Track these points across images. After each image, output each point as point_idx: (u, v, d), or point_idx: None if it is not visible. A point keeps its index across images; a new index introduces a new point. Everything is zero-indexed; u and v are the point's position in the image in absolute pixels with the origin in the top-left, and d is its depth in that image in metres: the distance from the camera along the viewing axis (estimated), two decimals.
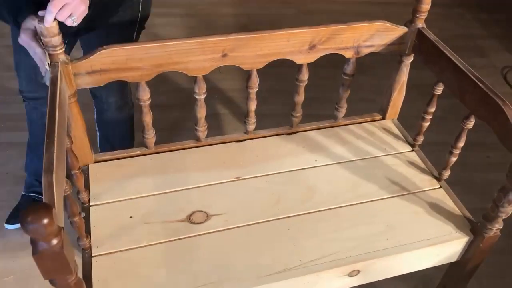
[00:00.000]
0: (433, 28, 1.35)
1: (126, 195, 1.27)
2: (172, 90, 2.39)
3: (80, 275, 0.91)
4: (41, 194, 1.55)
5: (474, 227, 1.23)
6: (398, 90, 1.48)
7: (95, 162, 1.35)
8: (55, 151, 0.86)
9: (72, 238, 0.96)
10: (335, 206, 1.28)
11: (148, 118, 1.32)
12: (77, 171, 1.17)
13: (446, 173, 1.36)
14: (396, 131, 1.53)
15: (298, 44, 1.27)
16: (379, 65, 2.15)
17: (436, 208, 1.29)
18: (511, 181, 1.08)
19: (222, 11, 3.10)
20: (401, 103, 1.54)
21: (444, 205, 1.30)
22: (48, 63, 1.03)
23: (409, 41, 1.36)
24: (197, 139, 1.42)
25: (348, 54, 1.34)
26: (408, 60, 1.41)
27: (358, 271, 1.17)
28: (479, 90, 1.15)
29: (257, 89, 1.35)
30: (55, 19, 1.00)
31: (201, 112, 1.35)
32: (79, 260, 1.03)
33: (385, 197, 1.31)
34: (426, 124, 1.42)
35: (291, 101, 1.43)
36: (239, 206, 1.26)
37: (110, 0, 1.35)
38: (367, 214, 1.26)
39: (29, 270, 1.63)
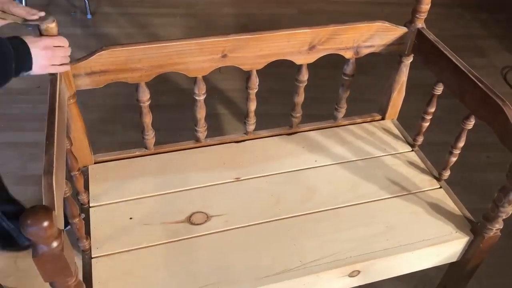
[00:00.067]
0: (433, 28, 1.35)
1: (126, 196, 1.27)
2: (171, 91, 2.39)
3: (80, 276, 0.91)
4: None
5: (474, 227, 1.23)
6: (397, 90, 1.48)
7: (95, 163, 1.35)
8: (54, 152, 0.86)
9: (72, 239, 0.96)
10: (335, 207, 1.28)
11: (147, 118, 1.32)
12: (76, 173, 1.17)
13: (446, 173, 1.36)
14: (396, 131, 1.53)
15: (298, 45, 1.27)
16: (379, 65, 2.15)
17: (436, 208, 1.29)
18: (511, 181, 1.08)
19: (222, 11, 3.10)
20: (401, 103, 1.54)
21: (444, 205, 1.30)
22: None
23: (409, 41, 1.35)
24: (197, 139, 1.42)
25: (348, 54, 1.34)
26: (408, 60, 1.41)
27: (358, 272, 1.17)
28: (479, 90, 1.14)
29: (256, 90, 1.35)
30: (54, 21, 1.00)
31: (201, 112, 1.35)
32: (78, 262, 1.03)
33: (385, 197, 1.31)
34: (426, 124, 1.42)
35: (291, 101, 1.43)
36: (239, 207, 1.26)
37: None
38: (367, 215, 1.26)
39: (29, 270, 1.63)
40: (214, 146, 1.43)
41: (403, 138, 1.50)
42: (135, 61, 1.17)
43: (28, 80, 1.53)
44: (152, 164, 1.37)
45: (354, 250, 1.17)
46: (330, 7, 3.20)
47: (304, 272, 1.12)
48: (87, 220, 1.20)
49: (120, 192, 1.28)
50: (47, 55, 0.99)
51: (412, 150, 1.47)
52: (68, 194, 1.04)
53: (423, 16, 1.32)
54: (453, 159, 1.33)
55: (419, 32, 1.33)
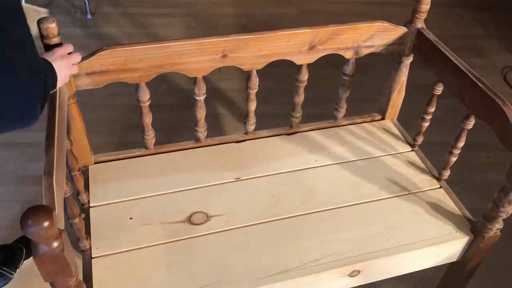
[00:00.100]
0: (433, 28, 1.35)
1: (126, 196, 1.27)
2: (172, 90, 2.39)
3: (80, 276, 0.91)
4: None
5: (474, 227, 1.23)
6: (397, 90, 1.48)
7: (95, 163, 1.35)
8: (55, 153, 0.86)
9: (72, 239, 0.96)
10: (335, 207, 1.28)
11: (147, 119, 1.32)
12: (77, 173, 1.17)
13: (446, 173, 1.36)
14: (396, 131, 1.53)
15: (298, 45, 1.27)
16: (378, 65, 2.15)
17: (436, 208, 1.29)
18: (511, 181, 1.08)
19: (222, 11, 3.10)
20: (401, 103, 1.54)
21: (444, 205, 1.30)
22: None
23: (409, 41, 1.36)
24: (197, 139, 1.42)
25: (348, 54, 1.34)
26: (408, 60, 1.41)
27: (359, 272, 1.17)
28: (479, 90, 1.14)
29: (256, 90, 1.35)
30: (54, 21, 1.01)
31: (201, 112, 1.35)
32: (79, 262, 1.03)
33: (385, 197, 1.31)
34: (426, 124, 1.42)
35: (291, 101, 1.43)
36: (239, 207, 1.26)
37: None
38: (367, 215, 1.26)
39: (29, 270, 1.63)
40: (214, 146, 1.44)
41: (403, 138, 1.51)
42: (135, 61, 1.17)
43: None
44: (152, 164, 1.37)
45: (354, 250, 1.17)
46: (330, 7, 3.20)
47: (304, 272, 1.12)
48: (87, 220, 1.20)
49: (120, 192, 1.28)
50: (65, 66, 1.00)
51: (412, 150, 1.47)
52: (68, 194, 1.04)
53: (423, 16, 1.32)
54: (453, 159, 1.34)
55: (419, 32, 1.33)
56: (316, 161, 1.41)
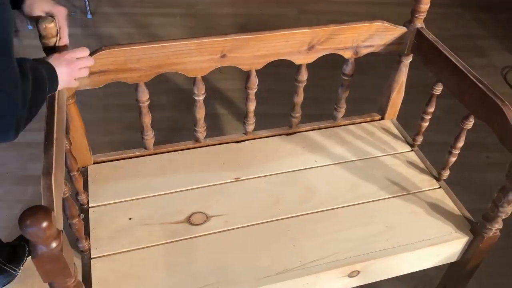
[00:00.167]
0: (432, 28, 1.35)
1: (125, 196, 1.27)
2: (171, 90, 2.39)
3: (79, 277, 0.91)
4: None
5: (474, 227, 1.23)
6: (397, 90, 1.48)
7: (94, 163, 1.35)
8: (54, 153, 0.86)
9: (71, 239, 0.96)
10: (335, 207, 1.28)
11: (147, 119, 1.31)
12: (76, 173, 1.17)
13: (446, 173, 1.36)
14: (395, 131, 1.52)
15: (297, 45, 1.27)
16: (378, 65, 2.15)
17: (436, 208, 1.29)
18: (511, 181, 1.08)
19: (221, 11, 3.10)
20: (400, 103, 1.54)
21: (443, 205, 1.30)
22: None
23: (408, 41, 1.35)
24: (196, 139, 1.42)
25: (347, 54, 1.34)
26: (407, 60, 1.41)
27: (358, 272, 1.17)
28: (479, 90, 1.14)
29: (256, 90, 1.35)
30: (53, 21, 1.00)
31: (200, 113, 1.34)
32: (78, 262, 1.03)
33: (384, 197, 1.31)
34: (425, 124, 1.41)
35: (290, 101, 1.43)
36: (238, 207, 1.26)
37: None
38: (367, 215, 1.26)
39: (29, 270, 1.63)
40: (213, 146, 1.43)
41: (403, 138, 1.50)
42: (134, 61, 1.17)
43: None
44: (151, 164, 1.37)
45: (354, 250, 1.17)
46: (330, 7, 3.20)
47: (304, 273, 1.12)
48: (86, 221, 1.20)
49: (120, 192, 1.28)
50: (69, 71, 1.00)
51: (412, 150, 1.47)
52: (67, 195, 1.04)
53: (423, 16, 1.32)
54: (453, 159, 1.33)
55: (419, 32, 1.33)
56: (315, 161, 1.40)
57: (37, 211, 0.70)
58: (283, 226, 1.22)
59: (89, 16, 2.93)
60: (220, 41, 1.20)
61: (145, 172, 1.34)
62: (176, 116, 2.26)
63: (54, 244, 0.74)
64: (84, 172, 1.32)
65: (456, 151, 1.32)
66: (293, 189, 1.32)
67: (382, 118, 1.57)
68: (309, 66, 1.34)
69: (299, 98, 1.41)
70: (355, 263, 1.15)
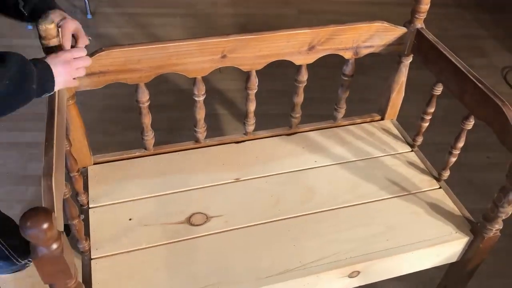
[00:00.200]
0: (432, 28, 1.35)
1: (125, 197, 1.27)
2: (171, 91, 2.39)
3: (80, 278, 0.91)
4: None
5: (474, 228, 1.23)
6: (397, 91, 1.48)
7: (94, 164, 1.35)
8: (54, 154, 0.86)
9: (71, 241, 0.96)
10: (335, 207, 1.28)
11: (147, 119, 1.31)
12: (76, 174, 1.17)
13: (446, 174, 1.36)
14: (396, 132, 1.52)
15: (298, 45, 1.27)
16: (378, 66, 2.15)
17: (436, 209, 1.29)
18: (511, 181, 1.08)
19: (222, 11, 3.10)
20: (400, 103, 1.54)
21: (444, 205, 1.30)
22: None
23: (408, 42, 1.35)
24: (197, 140, 1.42)
25: (347, 54, 1.34)
26: (407, 61, 1.41)
27: (358, 272, 1.17)
28: (479, 91, 1.14)
29: (256, 90, 1.35)
30: (53, 22, 1.00)
31: (200, 113, 1.34)
32: (78, 263, 1.03)
33: (384, 197, 1.31)
34: (426, 124, 1.41)
35: (291, 101, 1.43)
36: (238, 208, 1.26)
37: None
38: (367, 215, 1.26)
39: (29, 270, 1.63)
40: (213, 146, 1.43)
41: (403, 138, 1.50)
42: (134, 62, 1.17)
43: None
44: (151, 165, 1.37)
45: (354, 251, 1.17)
46: (330, 7, 3.20)
47: (304, 273, 1.12)
48: (86, 221, 1.20)
49: (120, 193, 1.28)
50: (66, 71, 0.99)
51: (412, 151, 1.47)
52: (67, 196, 1.04)
53: (423, 16, 1.32)
54: (453, 159, 1.33)
55: (419, 32, 1.33)
56: (315, 161, 1.40)
57: (37, 212, 0.70)
58: (283, 227, 1.22)
59: (89, 16, 2.93)
60: (222, 42, 1.20)
61: (145, 172, 1.34)
62: (176, 116, 2.26)
63: (54, 246, 0.74)
64: (84, 173, 1.32)
65: (456, 151, 1.32)
66: (293, 189, 1.32)
67: (382, 119, 1.57)
68: (309, 66, 1.34)
69: (299, 98, 1.41)
70: (356, 263, 1.15)
